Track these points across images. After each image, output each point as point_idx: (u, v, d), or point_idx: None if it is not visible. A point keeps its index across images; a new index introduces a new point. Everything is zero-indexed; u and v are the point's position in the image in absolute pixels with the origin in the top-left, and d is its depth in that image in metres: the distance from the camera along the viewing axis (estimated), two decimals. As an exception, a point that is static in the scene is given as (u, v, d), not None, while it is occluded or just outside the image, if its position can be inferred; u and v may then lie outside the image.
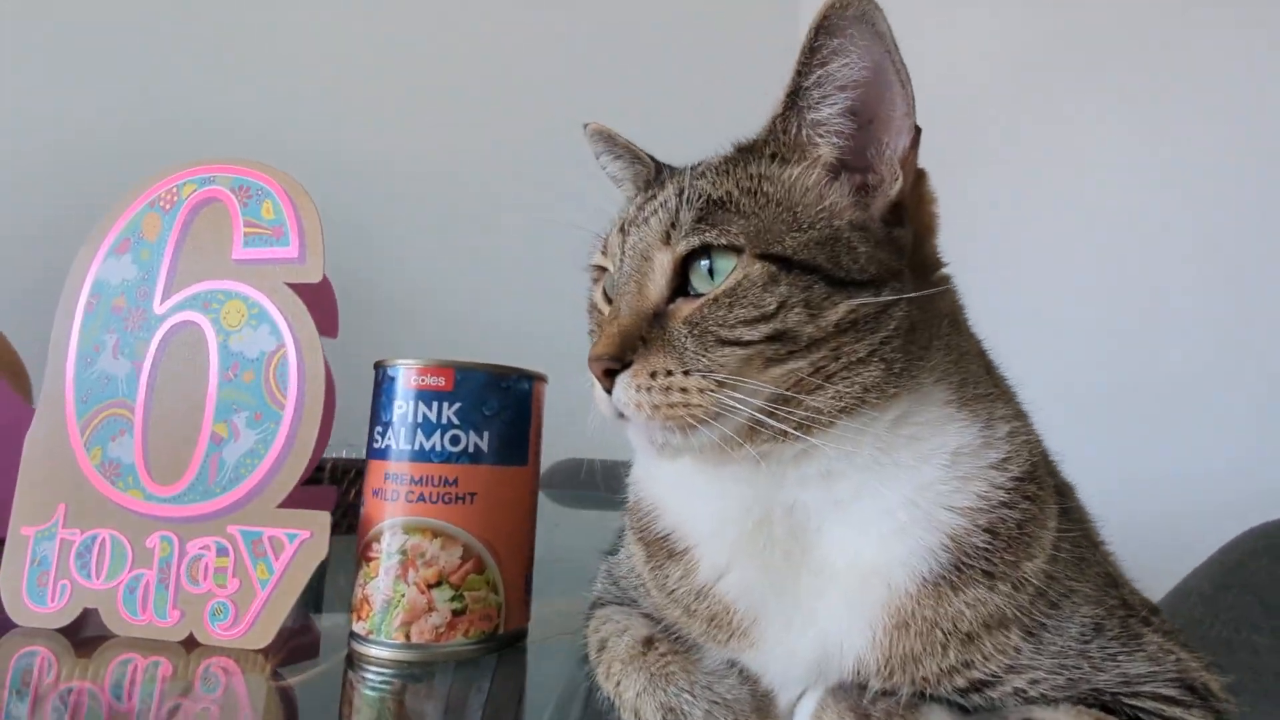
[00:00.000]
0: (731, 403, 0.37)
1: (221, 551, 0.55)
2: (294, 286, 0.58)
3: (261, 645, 0.54)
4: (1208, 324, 1.69)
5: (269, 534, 0.55)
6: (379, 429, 0.57)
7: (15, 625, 0.57)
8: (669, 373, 0.38)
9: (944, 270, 0.44)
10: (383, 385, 0.58)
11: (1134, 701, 0.35)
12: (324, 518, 0.55)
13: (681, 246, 0.40)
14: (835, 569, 0.38)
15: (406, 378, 0.56)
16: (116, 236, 0.62)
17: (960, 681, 0.36)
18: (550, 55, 2.32)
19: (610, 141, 0.54)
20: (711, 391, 0.37)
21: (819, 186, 0.41)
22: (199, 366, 0.58)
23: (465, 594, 0.54)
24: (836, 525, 0.39)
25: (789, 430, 0.37)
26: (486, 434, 0.56)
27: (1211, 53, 1.64)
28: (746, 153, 0.44)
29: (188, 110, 1.74)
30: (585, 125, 0.56)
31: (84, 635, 0.56)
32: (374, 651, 0.53)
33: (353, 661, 0.54)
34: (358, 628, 0.54)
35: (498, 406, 0.57)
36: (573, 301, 0.56)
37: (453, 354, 0.57)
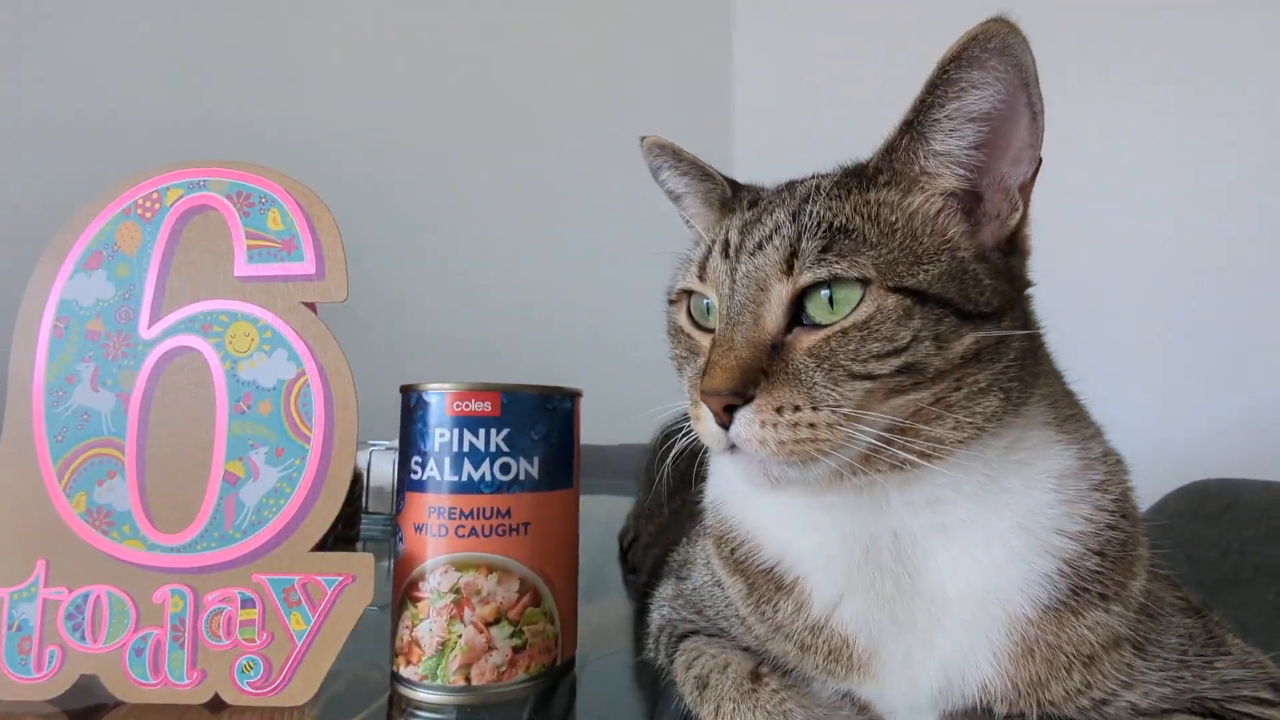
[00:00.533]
0: (857, 435, 0.36)
1: (247, 603, 0.50)
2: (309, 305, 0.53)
3: (302, 701, 0.49)
4: (1134, 290, 1.83)
5: (303, 580, 0.50)
6: (417, 459, 0.53)
7: (-4, 701, 0.50)
8: (797, 408, 0.37)
9: (1030, 290, 0.44)
10: (416, 411, 0.53)
11: (1236, 707, 0.38)
12: (367, 560, 0.51)
13: (806, 278, 0.39)
14: (948, 597, 0.38)
15: (448, 403, 0.52)
16: (84, 249, 0.54)
17: (1084, 702, 0.37)
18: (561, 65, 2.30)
19: (674, 156, 0.52)
20: (840, 426, 0.36)
21: (939, 216, 0.40)
22: (203, 398, 0.52)
23: (525, 628, 0.51)
24: (944, 551, 0.39)
25: (910, 459, 0.36)
26: (536, 459, 0.53)
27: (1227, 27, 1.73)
28: (858, 178, 0.42)
29: (168, 105, 1.55)
30: (642, 139, 0.53)
31: (81, 705, 0.50)
32: (431, 697, 0.50)
33: (400, 707, 0.51)
34: (407, 673, 0.51)
35: (545, 429, 0.54)
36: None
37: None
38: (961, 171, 0.41)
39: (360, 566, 0.51)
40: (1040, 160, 0.40)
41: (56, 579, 0.51)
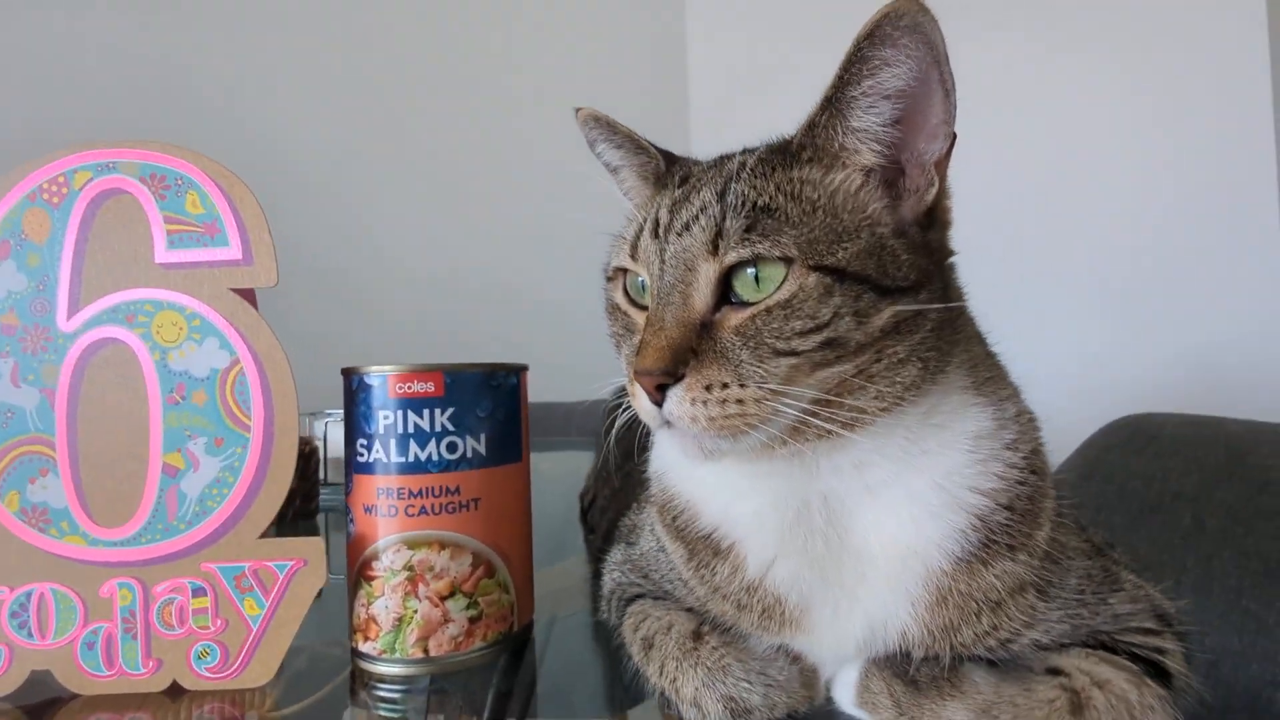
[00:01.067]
0: (783, 409, 0.38)
1: (198, 592, 0.50)
2: (239, 291, 0.51)
3: (262, 682, 0.50)
4: (1067, 227, 1.89)
5: (253, 566, 0.51)
6: (362, 442, 0.53)
7: (-56, 702, 0.50)
8: (725, 385, 0.38)
9: (953, 259, 0.46)
10: (359, 394, 0.53)
11: (1125, 638, 0.42)
12: (316, 544, 0.51)
13: (731, 257, 0.39)
14: (873, 553, 0.41)
15: (390, 385, 0.52)
16: (-12, 239, 0.51)
17: (991, 642, 0.40)
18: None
19: (609, 129, 0.51)
20: (767, 401, 0.38)
21: (859, 193, 0.41)
22: (133, 390, 0.51)
23: (479, 599, 0.53)
24: (869, 511, 0.41)
25: (834, 430, 0.38)
26: (483, 435, 0.54)
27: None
28: (782, 155, 0.43)
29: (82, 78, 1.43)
30: (577, 110, 0.52)
31: (36, 700, 0.50)
32: (391, 670, 0.52)
33: (362, 681, 0.52)
34: (366, 648, 0.52)
35: (491, 406, 0.54)
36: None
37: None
38: (879, 147, 0.41)
39: (310, 550, 0.51)
40: (954, 136, 0.41)
41: (-4, 579, 0.50)
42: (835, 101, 0.41)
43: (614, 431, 0.49)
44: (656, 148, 0.51)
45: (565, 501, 1.03)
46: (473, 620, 0.53)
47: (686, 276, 0.41)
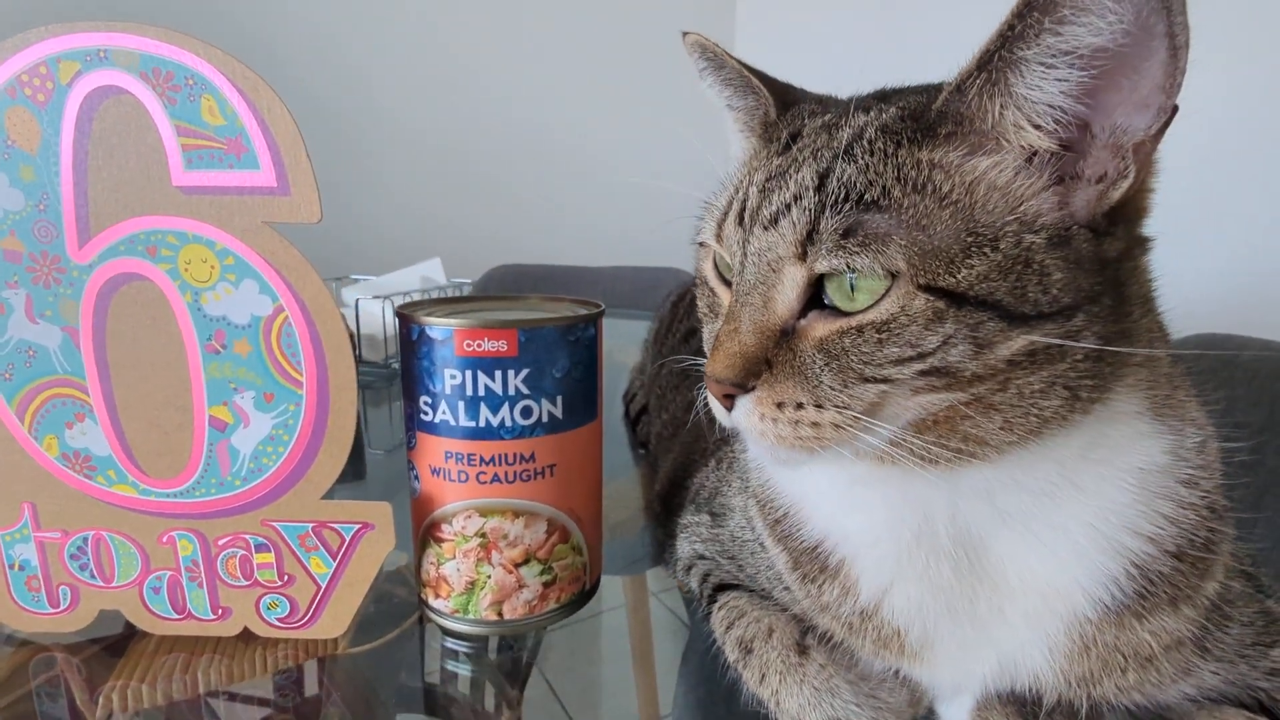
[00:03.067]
0: (867, 436, 0.32)
1: (261, 548, 0.48)
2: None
3: (335, 634, 0.49)
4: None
5: (316, 527, 0.47)
6: (426, 399, 0.47)
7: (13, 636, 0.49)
8: (799, 405, 0.32)
9: (1148, 245, 0.36)
10: (421, 347, 0.47)
11: (1282, 697, 0.38)
12: (384, 509, 0.47)
13: (821, 266, 0.32)
14: (1011, 585, 0.36)
15: (457, 342, 0.45)
16: (-31, 143, 0.42)
17: (1136, 696, 0.37)
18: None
19: (716, 63, 0.41)
20: (848, 427, 0.32)
21: (1011, 185, 0.31)
22: (169, 334, 0.44)
23: (554, 565, 0.50)
24: (1005, 539, 0.36)
25: (943, 457, 0.32)
26: (559, 398, 0.48)
27: None
28: (916, 124, 0.32)
29: None
30: (684, 34, 0.40)
31: (116, 634, 0.50)
32: (464, 628, 0.50)
33: (432, 629, 0.51)
34: (438, 604, 0.50)
35: (568, 365, 0.48)
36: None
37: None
38: (1053, 126, 0.31)
39: (377, 514, 0.47)
40: (1174, 110, 0.30)
41: (49, 521, 0.47)
42: (998, 61, 0.30)
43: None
44: (774, 84, 0.40)
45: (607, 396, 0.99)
46: (547, 585, 0.50)
47: (769, 278, 0.33)
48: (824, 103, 0.40)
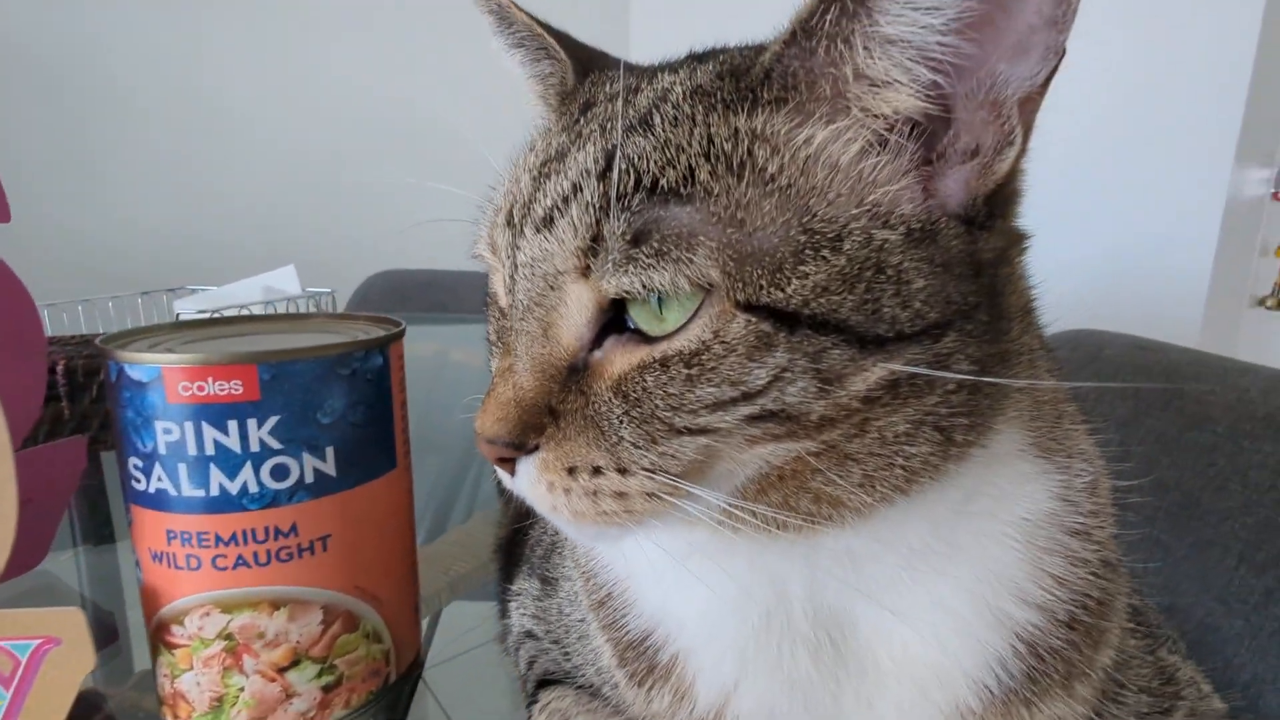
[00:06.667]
0: (690, 506, 0.25)
1: (-111, 685, 0.34)
2: None
3: (20, 786, 0.36)
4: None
5: (-25, 649, 0.34)
6: (137, 462, 0.35)
7: None
8: (596, 470, 0.24)
9: (1026, 244, 0.30)
10: (123, 392, 0.34)
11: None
12: (75, 616, 0.34)
13: (609, 286, 0.23)
14: (881, 673, 0.30)
15: (169, 386, 0.33)
16: None
17: None
18: None
19: (503, 19, 0.31)
20: (664, 496, 0.24)
21: (861, 166, 0.24)
22: None
23: (336, 662, 0.39)
24: (871, 617, 0.29)
25: (789, 523, 0.25)
26: (332, 450, 0.37)
27: None
28: (735, 83, 0.25)
29: None
30: None
31: None
32: (214, 759, 0.38)
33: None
34: (178, 728, 0.38)
35: (342, 405, 0.37)
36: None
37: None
38: (914, 86, 0.24)
39: (64, 624, 0.35)
40: (1063, 52, 0.23)
41: None
42: None
43: None
44: (575, 46, 0.32)
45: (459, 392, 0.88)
46: (328, 689, 0.39)
47: (547, 297, 0.25)
48: (636, 70, 0.32)
